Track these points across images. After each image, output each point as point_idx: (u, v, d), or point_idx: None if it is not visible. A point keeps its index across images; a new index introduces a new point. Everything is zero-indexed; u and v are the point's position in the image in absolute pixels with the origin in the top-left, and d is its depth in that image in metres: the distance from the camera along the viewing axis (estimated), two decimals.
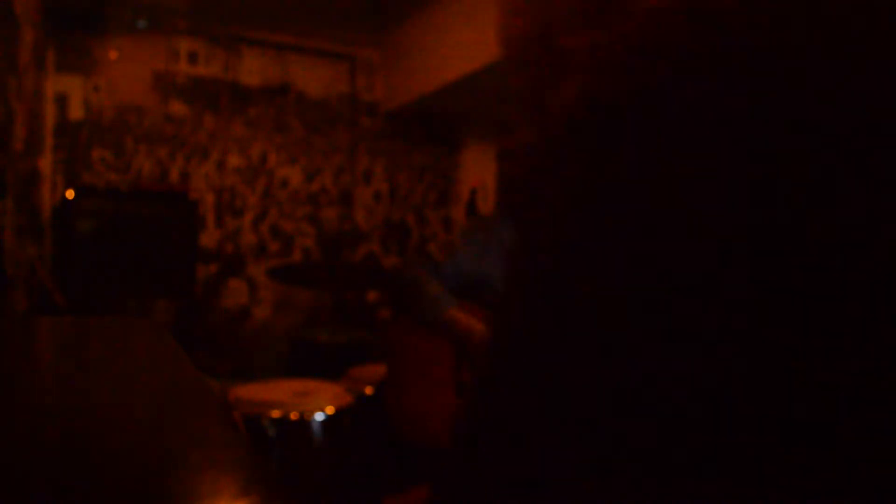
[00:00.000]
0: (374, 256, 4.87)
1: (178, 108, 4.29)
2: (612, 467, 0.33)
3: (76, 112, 4.01)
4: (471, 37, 3.58)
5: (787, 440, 0.29)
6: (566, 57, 0.41)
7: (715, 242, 0.31)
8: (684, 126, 0.33)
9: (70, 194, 3.70)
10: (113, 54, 4.08)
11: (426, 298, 1.72)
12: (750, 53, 0.32)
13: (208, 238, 4.37)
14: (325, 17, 4.25)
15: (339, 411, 2.28)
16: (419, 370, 1.76)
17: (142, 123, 4.19)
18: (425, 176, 5.08)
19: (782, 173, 0.31)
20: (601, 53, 0.37)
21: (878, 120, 0.30)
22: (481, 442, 0.40)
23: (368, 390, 2.58)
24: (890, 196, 0.29)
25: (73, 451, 0.56)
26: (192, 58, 4.32)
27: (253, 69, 4.50)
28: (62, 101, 3.96)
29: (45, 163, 3.81)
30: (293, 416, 2.21)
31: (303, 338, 3.88)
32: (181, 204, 4.03)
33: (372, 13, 4.26)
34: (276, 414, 2.20)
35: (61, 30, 3.88)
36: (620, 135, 0.35)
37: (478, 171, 5.06)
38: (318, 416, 2.23)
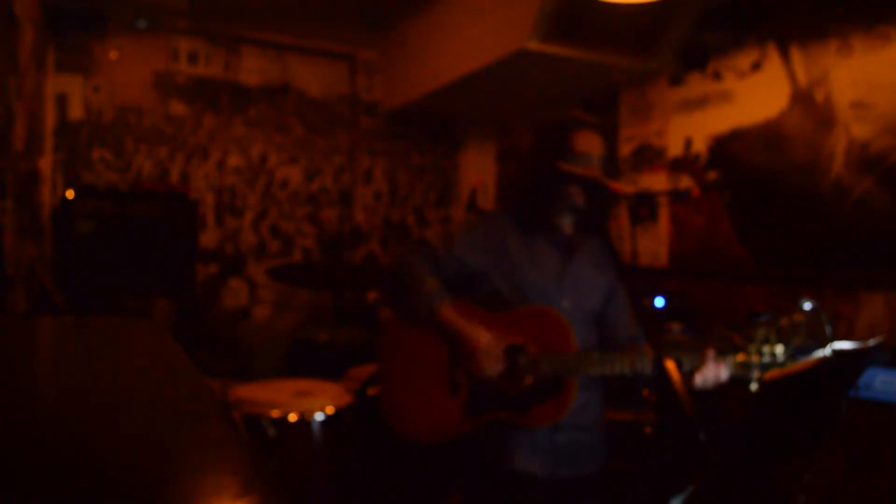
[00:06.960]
0: (374, 256, 4.87)
1: (178, 108, 4.29)
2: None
3: (76, 112, 4.00)
4: (471, 37, 3.58)
5: None
6: None
7: None
8: None
9: (70, 194, 3.70)
10: (113, 54, 4.08)
11: (421, 293, 1.70)
12: None
13: (208, 238, 4.37)
14: (325, 17, 4.25)
15: (339, 411, 2.28)
16: (414, 368, 1.75)
17: (142, 123, 4.19)
18: (425, 176, 5.09)
19: None
20: None
21: None
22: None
23: (371, 391, 2.58)
24: None
25: (73, 451, 0.56)
26: (192, 58, 4.32)
27: (253, 69, 4.50)
28: (62, 101, 3.96)
29: (45, 163, 3.81)
30: (293, 416, 2.20)
31: (303, 338, 3.88)
32: (181, 204, 4.02)
33: (372, 13, 4.25)
34: (276, 414, 2.20)
35: (61, 30, 3.88)
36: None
37: (478, 170, 5.06)
38: (318, 416, 2.23)
